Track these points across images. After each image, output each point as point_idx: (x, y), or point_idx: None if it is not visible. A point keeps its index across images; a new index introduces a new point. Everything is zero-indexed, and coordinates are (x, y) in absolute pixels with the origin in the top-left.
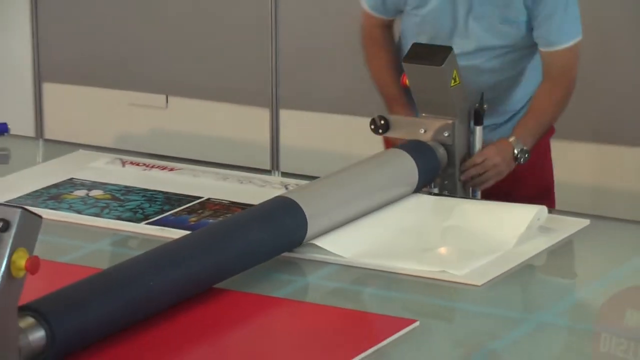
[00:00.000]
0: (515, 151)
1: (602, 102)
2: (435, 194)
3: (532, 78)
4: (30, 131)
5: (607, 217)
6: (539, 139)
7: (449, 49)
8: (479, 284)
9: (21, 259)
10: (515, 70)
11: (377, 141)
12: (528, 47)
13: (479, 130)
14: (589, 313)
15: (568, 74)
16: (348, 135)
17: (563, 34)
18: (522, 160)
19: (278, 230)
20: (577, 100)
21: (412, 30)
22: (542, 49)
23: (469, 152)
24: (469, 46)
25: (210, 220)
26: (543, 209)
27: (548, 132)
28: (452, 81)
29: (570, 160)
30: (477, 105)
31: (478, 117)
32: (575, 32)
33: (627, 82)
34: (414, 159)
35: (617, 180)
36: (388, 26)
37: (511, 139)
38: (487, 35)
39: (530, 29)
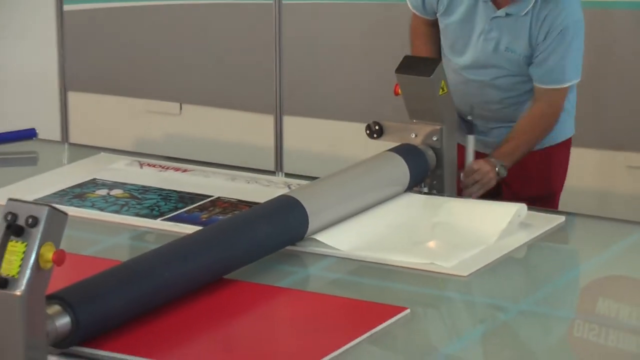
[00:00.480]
0: (497, 169)
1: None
2: (424, 193)
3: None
4: (56, 136)
5: (581, 214)
6: (517, 160)
7: (437, 62)
8: (465, 274)
9: (48, 252)
10: (519, 91)
11: (372, 145)
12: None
13: (471, 138)
14: (565, 301)
15: (555, 108)
16: (346, 140)
17: (556, 76)
18: (500, 175)
19: (281, 226)
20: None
21: (442, 33)
22: (535, 83)
23: (456, 156)
24: (477, 62)
25: (220, 217)
26: (523, 207)
27: (567, 144)
28: (440, 90)
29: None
30: (469, 117)
31: (470, 127)
32: (569, 78)
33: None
34: (406, 161)
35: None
36: (432, 24)
37: (492, 159)
38: (494, 56)
39: (528, 63)
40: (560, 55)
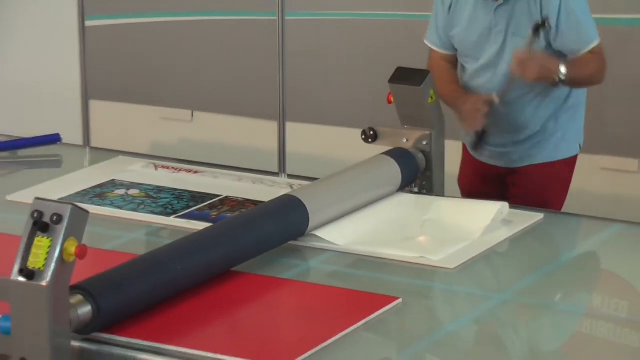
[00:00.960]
0: (562, 68)
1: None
2: (415, 193)
3: (547, 105)
4: (78, 140)
5: (558, 212)
6: (577, 79)
7: (426, 73)
8: (452, 267)
9: (71, 247)
10: (524, 91)
11: (368, 149)
12: None
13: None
14: (544, 291)
15: (600, 56)
16: (343, 144)
17: (584, 37)
18: (557, 78)
19: (284, 223)
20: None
21: (456, 45)
22: (570, 56)
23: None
24: (490, 62)
25: (228, 215)
26: (505, 205)
27: (569, 163)
28: (429, 99)
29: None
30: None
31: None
32: (596, 34)
33: None
34: (398, 164)
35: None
36: (450, 61)
37: (561, 68)
38: (500, 47)
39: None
40: (575, 21)
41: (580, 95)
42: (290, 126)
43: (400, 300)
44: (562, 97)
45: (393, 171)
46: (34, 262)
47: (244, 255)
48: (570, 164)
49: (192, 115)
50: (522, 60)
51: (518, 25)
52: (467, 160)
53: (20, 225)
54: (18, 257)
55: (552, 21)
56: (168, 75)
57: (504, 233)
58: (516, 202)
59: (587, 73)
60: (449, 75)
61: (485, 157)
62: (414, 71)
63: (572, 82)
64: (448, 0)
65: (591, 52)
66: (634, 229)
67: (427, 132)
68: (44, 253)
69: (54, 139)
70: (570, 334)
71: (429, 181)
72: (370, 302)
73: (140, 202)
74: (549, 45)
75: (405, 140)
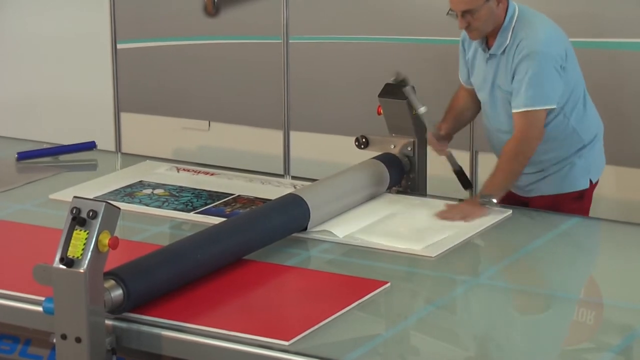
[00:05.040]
0: (481, 199)
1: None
2: (401, 192)
3: (551, 147)
4: (111, 147)
5: (524, 208)
6: (504, 187)
7: (411, 88)
8: (433, 255)
9: (105, 239)
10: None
11: (360, 154)
12: None
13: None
14: (513, 276)
15: (523, 133)
16: (339, 150)
17: (520, 100)
18: (489, 204)
19: (289, 218)
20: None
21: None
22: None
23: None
24: (487, 106)
25: (240, 211)
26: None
27: (576, 196)
28: (414, 111)
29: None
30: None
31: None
32: (530, 103)
33: None
34: (386, 167)
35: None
36: (470, 93)
37: (479, 199)
38: (490, 95)
39: None
40: (521, 80)
41: (586, 135)
42: (293, 134)
43: (388, 284)
44: (565, 140)
45: (382, 173)
46: (73, 252)
47: (253, 246)
48: (579, 197)
49: (209, 125)
50: (447, 211)
51: (502, 78)
52: None
53: (61, 220)
54: (59, 247)
55: (515, 71)
56: (188, 90)
57: (479, 226)
58: None
59: (505, 170)
60: (453, 102)
61: (512, 187)
62: (400, 87)
63: (502, 187)
64: (465, 44)
65: (523, 115)
66: (589, 222)
67: (412, 140)
68: (82, 244)
69: (90, 146)
70: (534, 311)
71: (413, 182)
72: (363, 286)
73: (165, 200)
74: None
75: (392, 147)
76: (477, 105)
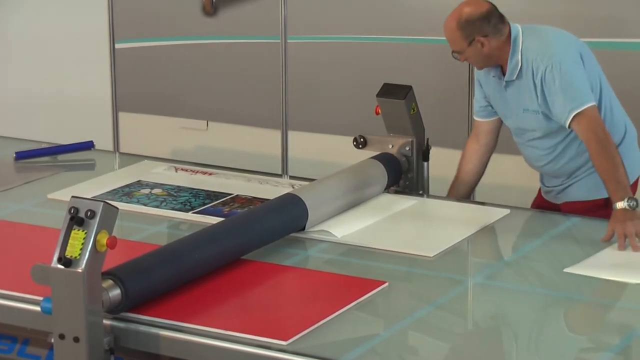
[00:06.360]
0: (627, 207)
1: None
2: (399, 192)
3: (575, 159)
4: (109, 146)
5: (522, 208)
6: (625, 178)
7: (409, 87)
8: (431, 255)
9: (103, 238)
10: (551, 147)
11: (358, 154)
12: (555, 132)
13: (425, 165)
14: (510, 275)
15: (594, 125)
16: (337, 149)
17: (564, 111)
18: (636, 206)
19: (287, 217)
20: None
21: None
22: (563, 125)
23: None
24: (516, 126)
25: (239, 210)
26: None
27: (605, 202)
28: (412, 111)
29: None
30: (424, 147)
31: (425, 155)
32: (575, 106)
33: None
34: (384, 166)
35: None
36: (488, 131)
37: (618, 205)
38: (520, 119)
39: (548, 118)
40: (554, 92)
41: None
42: (291, 134)
43: (386, 284)
44: (581, 155)
45: (380, 173)
46: (71, 252)
47: (251, 245)
48: (603, 205)
49: (207, 125)
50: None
51: (526, 100)
52: (538, 196)
53: (59, 219)
54: (57, 247)
55: (545, 99)
56: (186, 90)
57: (476, 225)
58: None
59: (615, 163)
60: (459, 167)
61: (544, 193)
62: (398, 87)
63: (626, 179)
64: (480, 78)
65: (577, 120)
66: (589, 222)
67: (410, 140)
68: (80, 244)
69: (88, 146)
70: (533, 311)
71: (411, 181)
72: (361, 285)
73: (163, 199)
74: (548, 120)
75: (390, 147)
76: (483, 166)
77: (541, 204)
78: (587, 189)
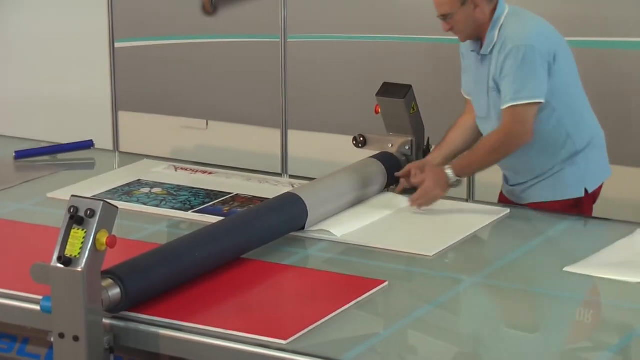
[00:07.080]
0: (450, 180)
1: None
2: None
3: (543, 154)
4: (109, 146)
5: (521, 207)
6: (474, 172)
7: (409, 87)
8: (431, 254)
9: (103, 237)
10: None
11: (358, 153)
12: None
13: None
14: (509, 275)
15: (506, 128)
16: (337, 149)
17: (506, 96)
18: (456, 186)
19: (287, 217)
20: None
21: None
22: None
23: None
24: (481, 112)
25: (238, 210)
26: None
27: (575, 203)
28: (411, 110)
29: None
30: (424, 146)
31: (425, 154)
32: (516, 97)
33: None
34: (384, 166)
35: None
36: (472, 125)
37: (447, 170)
38: (486, 99)
39: None
40: (506, 76)
41: (580, 142)
42: (291, 133)
43: (386, 283)
44: (557, 145)
45: (380, 172)
46: (71, 251)
47: (251, 245)
48: (574, 205)
49: (207, 124)
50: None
51: (492, 79)
52: (501, 194)
53: (59, 218)
54: (57, 246)
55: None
56: (186, 89)
57: (475, 225)
58: None
59: (482, 157)
60: (452, 129)
61: (506, 192)
62: (398, 86)
63: (473, 171)
64: (463, 51)
65: (509, 111)
66: (588, 222)
67: (409, 139)
68: (79, 243)
69: (88, 145)
70: (532, 310)
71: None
72: (360, 284)
73: (162, 199)
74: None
75: (390, 146)
76: (470, 134)
77: (503, 203)
78: (551, 188)
